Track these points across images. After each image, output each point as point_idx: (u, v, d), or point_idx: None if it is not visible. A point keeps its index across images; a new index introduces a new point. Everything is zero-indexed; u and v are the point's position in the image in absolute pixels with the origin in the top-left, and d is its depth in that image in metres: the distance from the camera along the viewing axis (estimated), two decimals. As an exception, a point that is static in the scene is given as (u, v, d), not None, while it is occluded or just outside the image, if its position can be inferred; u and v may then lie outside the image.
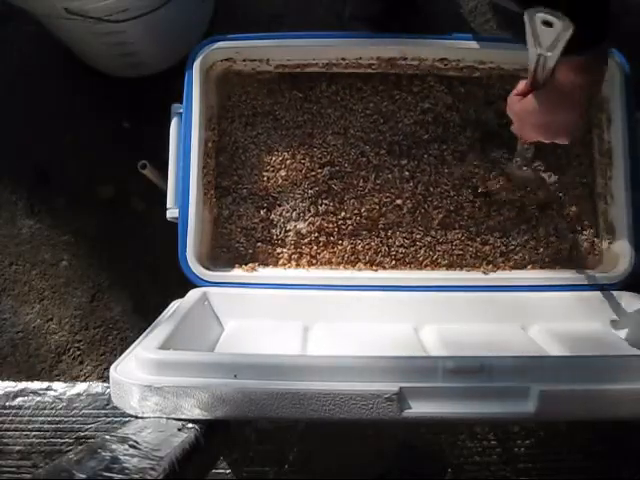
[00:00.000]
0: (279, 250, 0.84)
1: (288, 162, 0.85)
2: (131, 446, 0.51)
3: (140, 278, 1.08)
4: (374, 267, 0.84)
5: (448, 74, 0.86)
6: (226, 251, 0.84)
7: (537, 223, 0.85)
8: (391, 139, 0.86)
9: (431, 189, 0.85)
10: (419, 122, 0.86)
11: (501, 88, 0.87)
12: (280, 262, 0.84)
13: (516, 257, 0.84)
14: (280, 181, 0.85)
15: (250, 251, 0.84)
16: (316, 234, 0.84)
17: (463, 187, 0.85)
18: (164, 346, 0.61)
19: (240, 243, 0.84)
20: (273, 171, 0.85)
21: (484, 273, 0.83)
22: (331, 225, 0.84)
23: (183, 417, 0.56)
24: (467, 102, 0.87)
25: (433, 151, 0.85)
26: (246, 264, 0.83)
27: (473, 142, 0.86)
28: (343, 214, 0.84)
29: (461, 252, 0.84)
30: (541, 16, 0.53)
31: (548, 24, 0.53)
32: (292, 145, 0.86)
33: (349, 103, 0.87)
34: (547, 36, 0.54)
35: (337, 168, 0.85)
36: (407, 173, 0.85)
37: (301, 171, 0.85)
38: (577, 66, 0.56)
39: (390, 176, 0.85)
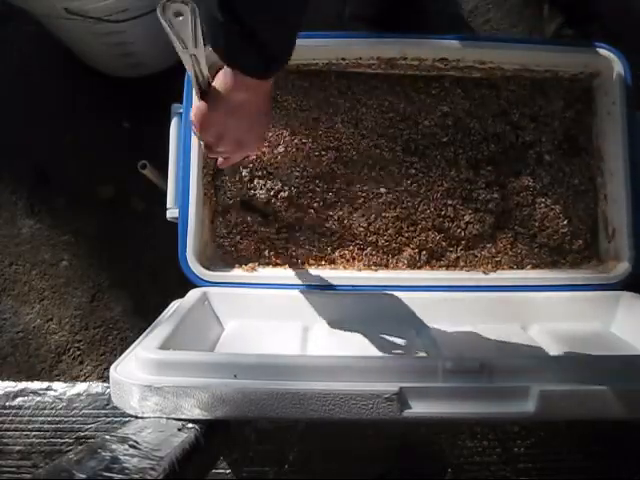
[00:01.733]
0: (276, 243, 0.84)
1: (287, 139, 0.84)
2: (131, 446, 0.51)
3: (140, 278, 1.08)
4: (372, 267, 0.84)
5: (463, 75, 0.86)
6: (226, 248, 0.85)
7: (522, 230, 0.85)
8: (408, 137, 0.86)
9: (428, 193, 0.84)
10: (440, 124, 0.86)
11: (507, 90, 0.87)
12: (277, 256, 0.84)
13: (503, 260, 0.84)
14: (279, 157, 0.84)
15: (250, 247, 0.85)
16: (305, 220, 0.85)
17: (458, 190, 0.85)
18: (164, 346, 0.61)
19: (239, 241, 0.85)
20: (270, 146, 0.84)
21: (484, 273, 0.83)
22: (322, 215, 0.84)
23: (183, 417, 0.56)
24: (483, 108, 0.86)
25: (448, 154, 0.85)
26: (246, 264, 0.83)
27: (492, 155, 0.86)
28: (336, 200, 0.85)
29: (445, 255, 0.84)
30: (174, 7, 0.47)
31: (179, 14, 0.47)
32: (293, 124, 0.85)
33: (362, 98, 0.86)
34: (184, 30, 0.48)
35: (344, 154, 0.85)
36: (413, 171, 0.85)
37: (302, 150, 0.84)
38: (245, 84, 0.54)
39: (395, 169, 0.85)
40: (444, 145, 0.86)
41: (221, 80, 0.56)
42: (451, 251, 0.84)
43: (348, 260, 0.84)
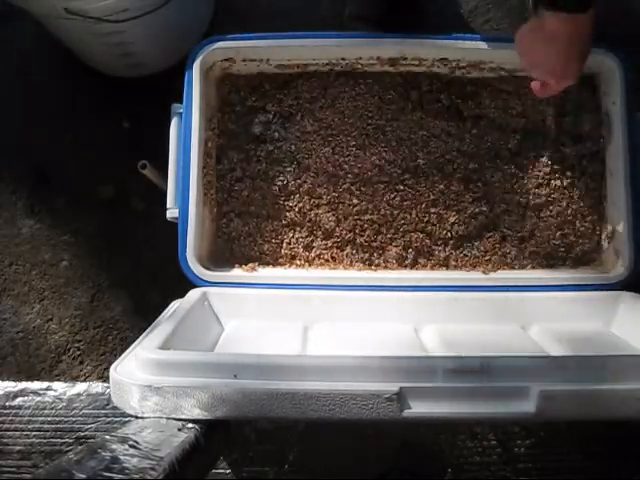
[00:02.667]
0: (278, 242, 0.84)
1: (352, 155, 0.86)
2: (131, 446, 0.51)
3: (140, 278, 1.08)
4: (373, 267, 0.84)
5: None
6: (227, 248, 0.85)
7: (532, 228, 0.85)
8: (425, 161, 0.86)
9: (411, 206, 0.85)
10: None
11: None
12: (280, 255, 0.84)
13: (500, 260, 0.84)
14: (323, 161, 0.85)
15: (252, 248, 0.84)
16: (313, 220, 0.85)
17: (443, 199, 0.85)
18: (164, 346, 0.61)
19: (240, 241, 0.85)
20: (322, 144, 0.85)
21: (484, 273, 0.83)
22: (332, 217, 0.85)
23: (183, 417, 0.56)
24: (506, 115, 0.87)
25: (447, 168, 0.85)
26: (246, 264, 0.83)
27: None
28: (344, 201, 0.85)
29: (434, 253, 0.85)
30: None
31: None
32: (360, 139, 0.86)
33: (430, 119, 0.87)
34: None
35: (363, 175, 0.85)
36: (402, 187, 0.85)
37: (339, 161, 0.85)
38: (560, 17, 0.60)
39: (382, 186, 0.85)
40: (446, 161, 0.85)
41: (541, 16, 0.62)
42: (439, 250, 0.84)
43: (328, 260, 0.84)
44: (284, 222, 0.85)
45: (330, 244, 0.85)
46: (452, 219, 0.84)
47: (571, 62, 0.66)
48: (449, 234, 0.84)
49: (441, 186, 0.85)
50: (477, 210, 0.84)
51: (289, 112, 0.87)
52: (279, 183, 0.85)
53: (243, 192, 0.85)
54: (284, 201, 0.85)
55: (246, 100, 0.87)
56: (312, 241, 0.85)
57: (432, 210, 0.85)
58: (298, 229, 0.85)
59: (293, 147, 0.86)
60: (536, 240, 0.84)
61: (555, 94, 0.73)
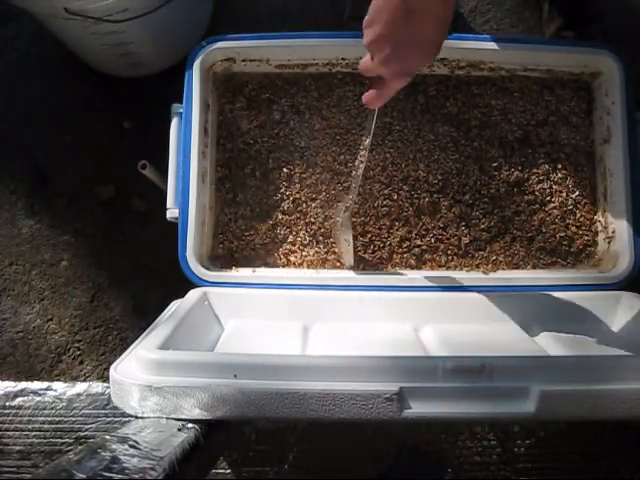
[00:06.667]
0: (278, 243, 0.85)
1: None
2: (131, 446, 0.51)
3: (140, 278, 1.08)
4: (373, 267, 0.84)
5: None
6: (226, 250, 0.85)
7: (530, 226, 0.85)
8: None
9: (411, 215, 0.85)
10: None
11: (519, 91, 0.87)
12: (279, 254, 0.84)
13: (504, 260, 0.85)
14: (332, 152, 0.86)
15: (251, 250, 0.85)
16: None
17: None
18: (164, 346, 0.61)
19: (241, 241, 0.85)
20: (330, 142, 0.86)
21: (484, 273, 0.83)
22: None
23: (183, 417, 0.56)
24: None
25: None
26: (246, 264, 0.83)
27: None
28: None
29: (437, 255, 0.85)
30: None
31: None
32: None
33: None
34: None
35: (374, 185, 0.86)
36: (400, 202, 0.86)
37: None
38: None
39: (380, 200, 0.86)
40: (447, 179, 0.86)
41: None
42: (445, 260, 0.85)
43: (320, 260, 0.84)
44: (279, 216, 0.85)
45: (310, 239, 0.85)
46: (465, 239, 0.84)
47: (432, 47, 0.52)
48: (456, 249, 0.85)
49: (445, 203, 0.85)
50: (492, 224, 0.85)
51: (298, 109, 0.87)
52: (284, 172, 0.85)
53: (245, 188, 0.85)
54: (284, 190, 0.85)
55: (258, 95, 0.87)
56: (303, 239, 0.85)
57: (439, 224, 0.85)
58: (294, 227, 0.85)
59: (303, 143, 0.86)
60: (543, 236, 0.84)
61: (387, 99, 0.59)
